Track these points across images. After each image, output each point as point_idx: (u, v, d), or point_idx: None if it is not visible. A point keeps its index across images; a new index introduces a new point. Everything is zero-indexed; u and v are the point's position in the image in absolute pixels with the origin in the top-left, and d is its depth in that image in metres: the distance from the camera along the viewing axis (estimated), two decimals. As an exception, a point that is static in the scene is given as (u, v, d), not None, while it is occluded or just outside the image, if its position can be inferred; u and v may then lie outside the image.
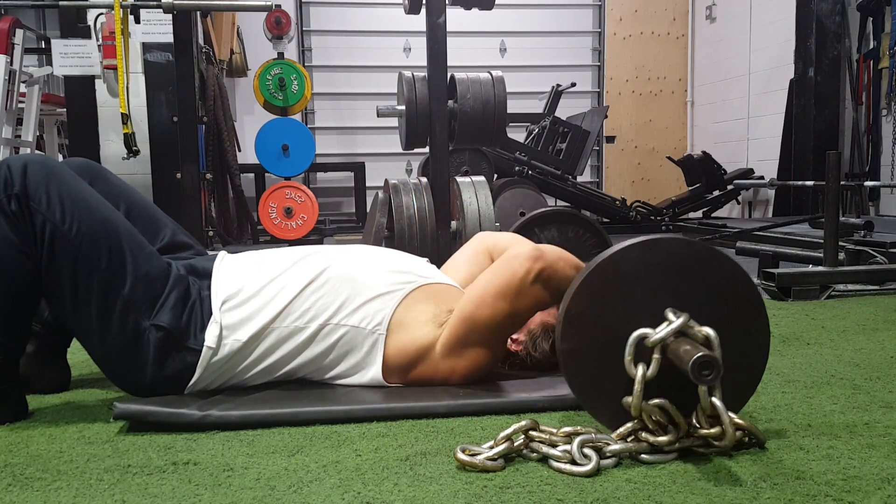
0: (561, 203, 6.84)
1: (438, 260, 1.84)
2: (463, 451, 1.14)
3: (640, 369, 1.13)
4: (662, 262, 1.18)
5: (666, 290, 1.18)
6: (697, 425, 1.15)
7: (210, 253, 1.69)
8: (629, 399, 1.14)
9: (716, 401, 1.12)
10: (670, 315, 1.15)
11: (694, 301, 1.17)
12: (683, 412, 1.15)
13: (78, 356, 1.69)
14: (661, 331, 1.13)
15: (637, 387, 1.13)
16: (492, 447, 1.14)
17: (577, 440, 1.13)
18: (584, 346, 1.18)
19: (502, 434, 1.14)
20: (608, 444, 1.14)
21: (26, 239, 1.35)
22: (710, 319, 1.14)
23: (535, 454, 1.15)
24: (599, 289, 1.18)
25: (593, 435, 1.15)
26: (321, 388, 1.50)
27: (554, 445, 1.14)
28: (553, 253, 1.46)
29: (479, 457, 1.12)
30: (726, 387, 1.13)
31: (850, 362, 1.77)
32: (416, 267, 1.62)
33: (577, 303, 1.18)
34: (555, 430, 1.17)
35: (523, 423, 1.16)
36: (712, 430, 1.13)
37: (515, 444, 1.15)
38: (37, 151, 5.08)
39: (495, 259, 1.73)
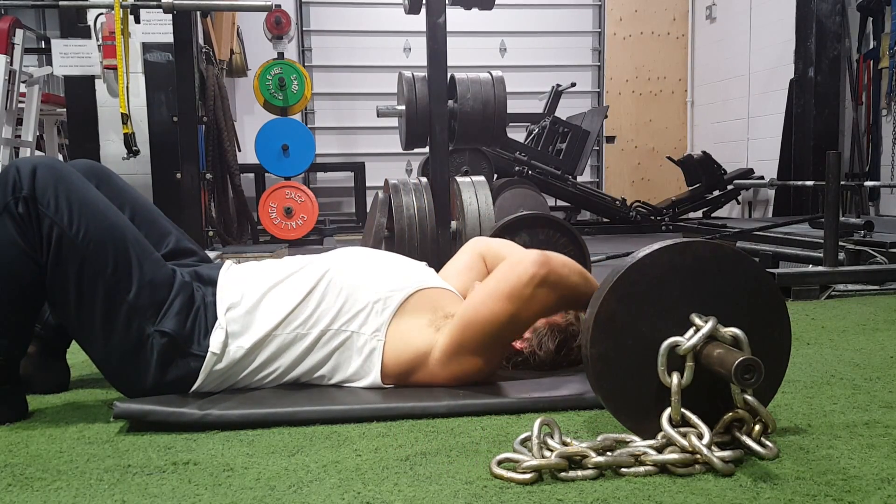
0: (561, 203, 6.86)
1: (438, 260, 1.84)
2: (499, 463, 1.10)
3: (675, 378, 1.12)
4: (690, 266, 1.17)
5: (692, 294, 1.17)
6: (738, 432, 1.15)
7: (211, 254, 1.69)
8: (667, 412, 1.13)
9: (751, 398, 1.12)
10: (697, 320, 1.14)
11: (718, 304, 1.17)
12: (713, 417, 1.15)
13: (78, 356, 1.69)
14: (693, 337, 1.12)
15: (674, 397, 1.12)
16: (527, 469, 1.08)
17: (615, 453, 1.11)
18: (612, 351, 1.16)
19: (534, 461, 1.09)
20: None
21: (32, 242, 1.35)
22: (734, 322, 1.14)
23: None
24: (629, 293, 1.16)
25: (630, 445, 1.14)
26: (321, 388, 1.50)
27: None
28: (558, 258, 1.45)
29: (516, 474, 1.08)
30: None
31: (850, 362, 1.77)
32: (415, 271, 1.62)
33: (607, 306, 1.16)
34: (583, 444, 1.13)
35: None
36: (756, 427, 1.15)
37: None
38: (37, 152, 5.08)
39: (489, 265, 1.73)
